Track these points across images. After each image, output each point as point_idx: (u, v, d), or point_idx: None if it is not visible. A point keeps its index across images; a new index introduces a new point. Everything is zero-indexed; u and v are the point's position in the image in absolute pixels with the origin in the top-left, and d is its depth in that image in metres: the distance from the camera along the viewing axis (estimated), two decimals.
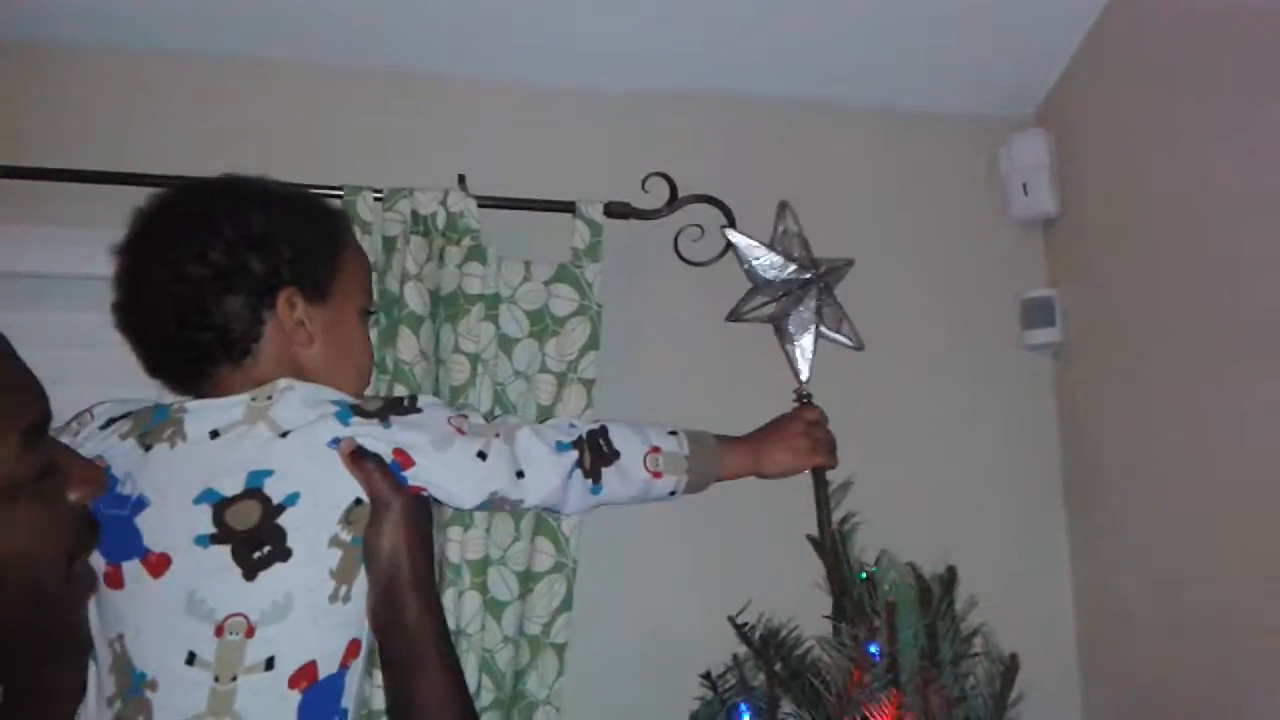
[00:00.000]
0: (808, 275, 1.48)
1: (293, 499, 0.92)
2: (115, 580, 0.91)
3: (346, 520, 0.94)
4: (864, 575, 1.32)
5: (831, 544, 1.37)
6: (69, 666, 0.94)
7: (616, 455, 1.13)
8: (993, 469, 1.70)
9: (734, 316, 1.51)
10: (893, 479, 1.57)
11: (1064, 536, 1.72)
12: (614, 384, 1.53)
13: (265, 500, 0.92)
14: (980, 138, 1.79)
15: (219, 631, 0.89)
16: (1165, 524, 1.49)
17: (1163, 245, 1.51)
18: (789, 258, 1.48)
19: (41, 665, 0.94)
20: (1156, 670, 1.50)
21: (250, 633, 0.89)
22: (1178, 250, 1.47)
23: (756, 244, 1.49)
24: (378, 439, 0.96)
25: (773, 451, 1.30)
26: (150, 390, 1.05)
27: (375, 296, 1.44)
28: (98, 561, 0.93)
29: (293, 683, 0.90)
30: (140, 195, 1.10)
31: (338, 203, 1.42)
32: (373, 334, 1.43)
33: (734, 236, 1.51)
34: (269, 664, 0.89)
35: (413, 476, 0.98)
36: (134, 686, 0.89)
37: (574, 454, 1.10)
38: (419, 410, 1.01)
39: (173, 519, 0.92)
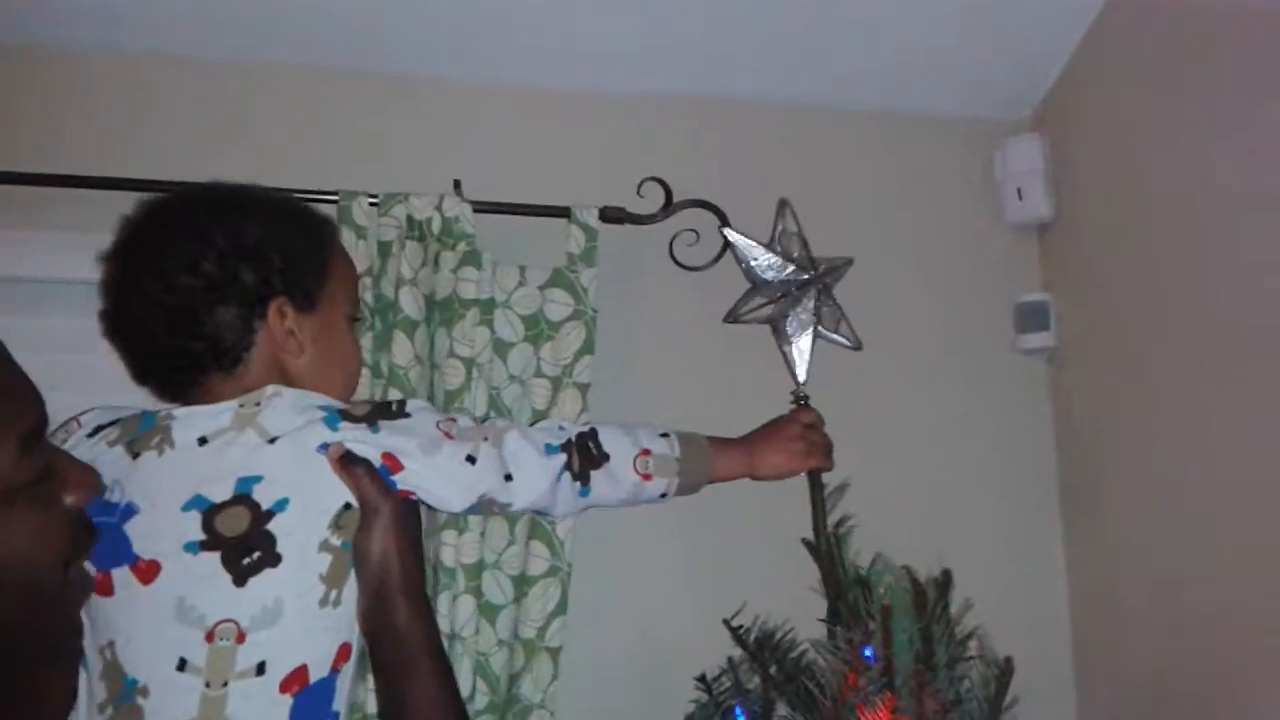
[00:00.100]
0: (806, 275, 1.48)
1: (282, 505, 0.92)
2: (105, 587, 0.91)
3: (336, 525, 0.94)
4: (859, 578, 1.32)
5: (827, 547, 1.37)
6: (63, 671, 0.94)
7: (606, 458, 1.13)
8: (988, 473, 1.70)
9: (731, 318, 1.51)
10: (888, 482, 1.57)
11: (1059, 540, 1.72)
12: (609, 389, 1.53)
13: (254, 506, 0.92)
14: (975, 142, 1.79)
15: (209, 637, 0.89)
16: (1161, 527, 1.49)
17: (1158, 249, 1.51)
18: (788, 257, 1.48)
19: (37, 670, 0.93)
20: (1152, 673, 1.50)
21: (241, 638, 0.89)
22: (1173, 254, 1.48)
23: (755, 243, 1.49)
24: (366, 444, 0.97)
25: (767, 454, 1.30)
26: (144, 397, 1.05)
27: (370, 301, 1.45)
28: (87, 569, 0.93)
29: (284, 687, 0.90)
30: (138, 200, 1.10)
31: (332, 208, 1.43)
32: (367, 339, 1.44)
33: (733, 236, 1.51)
34: (260, 669, 0.90)
35: (402, 481, 0.98)
36: (125, 693, 0.89)
37: (562, 457, 1.10)
38: (407, 415, 1.01)
39: (162, 526, 0.92)
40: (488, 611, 1.41)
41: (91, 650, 0.92)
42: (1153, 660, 1.50)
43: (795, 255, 1.48)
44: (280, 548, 0.91)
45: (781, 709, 1.30)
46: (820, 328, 1.48)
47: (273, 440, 0.95)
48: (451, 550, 1.38)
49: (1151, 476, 1.52)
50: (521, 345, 1.51)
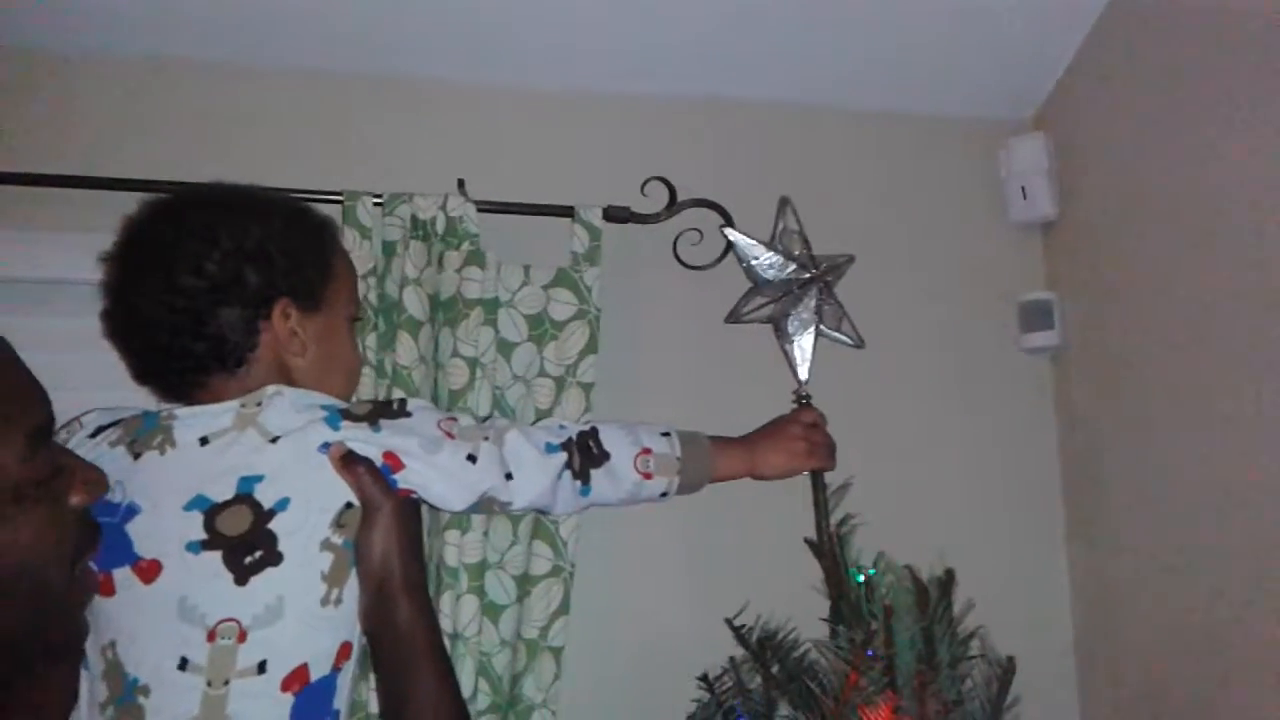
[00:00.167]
0: (808, 274, 1.48)
1: (283, 504, 0.93)
2: (106, 587, 0.92)
3: (338, 524, 0.95)
4: (861, 578, 1.32)
5: (829, 546, 1.37)
6: (67, 670, 0.95)
7: (606, 456, 1.13)
8: (991, 472, 1.70)
9: (733, 318, 1.51)
10: (891, 481, 1.57)
11: (1062, 539, 1.72)
12: (613, 388, 1.53)
13: (256, 505, 0.92)
14: (979, 141, 1.79)
15: (211, 636, 0.90)
16: (1164, 526, 1.49)
17: (1161, 249, 1.51)
18: (789, 256, 1.48)
19: (42, 668, 0.94)
20: (1154, 673, 1.50)
21: (242, 637, 0.90)
22: (1176, 253, 1.47)
23: (756, 243, 1.49)
24: (367, 443, 0.97)
25: (768, 454, 1.30)
26: (149, 395, 1.06)
27: (374, 301, 1.45)
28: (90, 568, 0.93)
29: (285, 686, 0.91)
30: (141, 200, 1.10)
31: (336, 209, 1.43)
32: (372, 338, 1.44)
33: (733, 235, 1.52)
34: (261, 667, 0.90)
35: (403, 479, 0.98)
36: (127, 693, 0.90)
37: (563, 455, 1.10)
38: (408, 414, 1.02)
39: (163, 526, 0.93)
40: (490, 611, 1.41)
41: (93, 650, 0.93)
42: (1155, 660, 1.50)
43: (796, 254, 1.48)
44: (282, 546, 0.92)
45: (783, 708, 1.30)
46: (822, 326, 1.48)
47: (274, 440, 0.95)
48: (454, 550, 1.38)
49: (1155, 476, 1.51)
50: (525, 345, 1.51)
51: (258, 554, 0.91)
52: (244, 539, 0.91)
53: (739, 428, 1.35)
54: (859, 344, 1.50)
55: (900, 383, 1.69)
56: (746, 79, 1.70)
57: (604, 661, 1.51)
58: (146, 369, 1.03)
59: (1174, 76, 1.48)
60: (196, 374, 1.00)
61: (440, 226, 1.49)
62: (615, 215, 1.58)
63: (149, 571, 0.91)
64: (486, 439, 1.05)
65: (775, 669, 1.32)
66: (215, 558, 0.91)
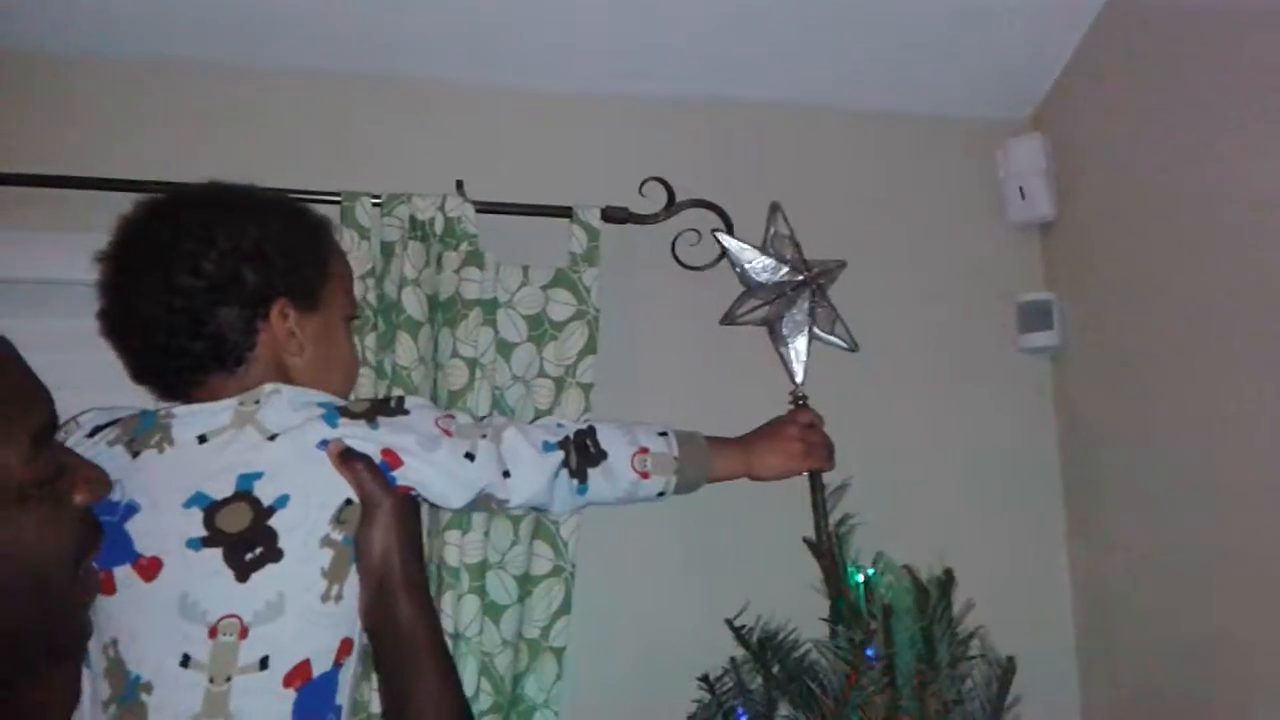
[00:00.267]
0: (800, 277, 1.48)
1: (283, 501, 0.93)
2: (107, 586, 0.92)
3: (337, 520, 0.95)
4: (860, 578, 1.32)
5: (828, 546, 1.37)
6: (70, 669, 0.95)
7: (603, 456, 1.14)
8: (990, 472, 1.70)
9: (728, 320, 1.51)
10: (890, 482, 1.57)
11: (1062, 539, 1.72)
12: (612, 388, 1.54)
13: (255, 502, 0.93)
14: (977, 141, 1.79)
15: (213, 633, 0.90)
16: (1164, 526, 1.49)
17: (1160, 248, 1.51)
18: (781, 260, 1.48)
19: (46, 667, 0.94)
20: (1154, 672, 1.50)
21: (244, 633, 0.90)
22: (1175, 253, 1.47)
23: (748, 247, 1.49)
24: (366, 440, 0.97)
25: (765, 454, 1.30)
26: (146, 395, 1.06)
27: (373, 301, 1.46)
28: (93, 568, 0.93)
29: (287, 681, 0.91)
30: (138, 200, 1.10)
31: (334, 209, 1.43)
32: (371, 339, 1.44)
33: (726, 240, 1.52)
34: (263, 663, 0.90)
35: (401, 476, 0.99)
36: (129, 690, 0.90)
37: (560, 454, 1.11)
38: (406, 412, 1.02)
39: (163, 523, 0.93)
40: (492, 611, 1.41)
41: (94, 648, 0.93)
42: (1155, 659, 1.50)
43: (788, 258, 1.49)
44: (282, 543, 0.92)
45: (784, 708, 1.30)
46: (815, 329, 1.48)
47: (273, 437, 0.95)
48: (455, 550, 1.38)
49: (1154, 475, 1.51)
50: (524, 345, 1.51)
51: (258, 550, 0.91)
52: (244, 536, 0.92)
53: (737, 428, 1.35)
54: (853, 347, 1.51)
55: (899, 383, 1.69)
56: (745, 79, 1.71)
57: (605, 662, 1.51)
58: (145, 368, 1.03)
59: (1172, 76, 1.48)
60: (195, 373, 1.01)
61: (439, 227, 1.49)
62: (613, 216, 1.58)
63: (149, 569, 0.92)
64: (484, 437, 1.05)
65: (775, 669, 1.32)
66: (216, 554, 0.91)
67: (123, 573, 0.92)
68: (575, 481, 1.12)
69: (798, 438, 1.33)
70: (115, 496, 0.93)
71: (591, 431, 1.15)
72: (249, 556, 0.91)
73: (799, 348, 1.47)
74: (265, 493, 0.93)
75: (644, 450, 1.17)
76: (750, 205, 1.58)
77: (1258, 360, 1.32)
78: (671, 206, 1.63)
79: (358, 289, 1.33)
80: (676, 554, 1.58)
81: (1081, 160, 1.70)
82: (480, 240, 1.49)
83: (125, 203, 1.09)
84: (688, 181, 1.64)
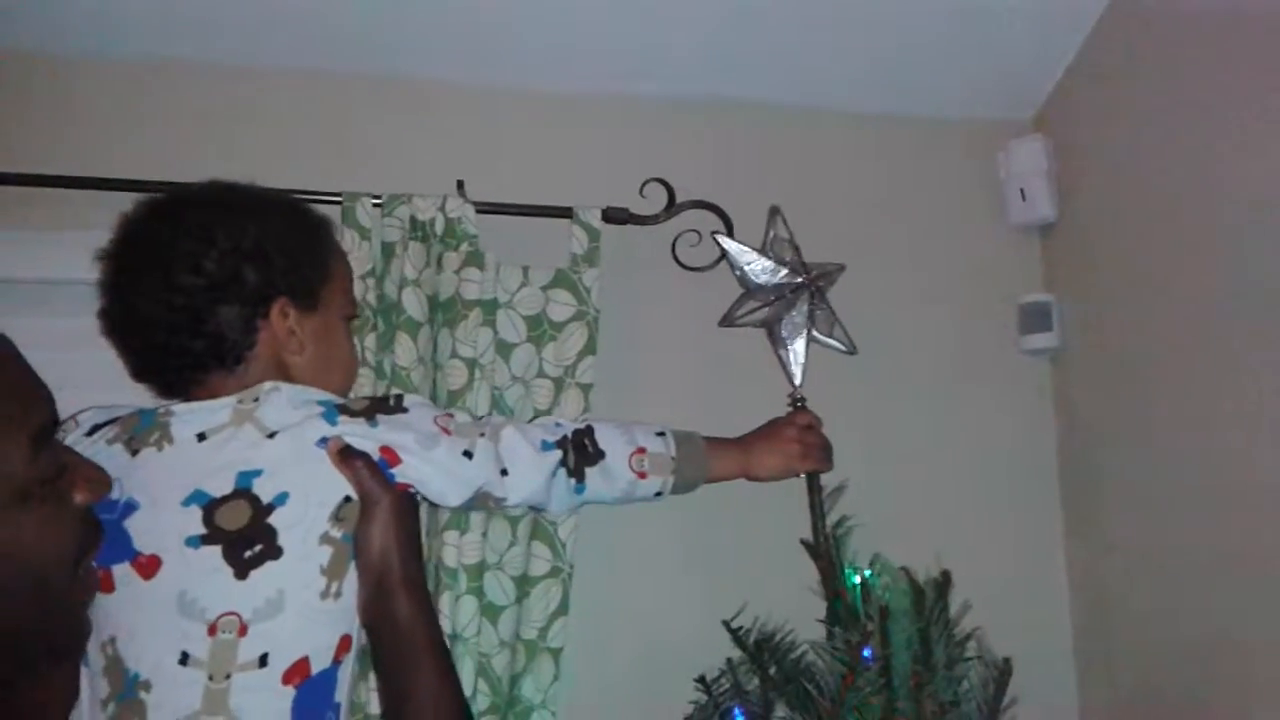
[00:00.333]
0: (799, 280, 1.48)
1: (282, 498, 0.94)
2: (106, 584, 0.92)
3: (336, 518, 0.95)
4: (857, 579, 1.32)
5: (826, 548, 1.37)
6: (69, 668, 0.95)
7: (601, 455, 1.14)
8: (989, 474, 1.70)
9: (726, 322, 1.52)
10: (888, 483, 1.58)
11: (1060, 541, 1.72)
12: (611, 389, 1.54)
13: (255, 500, 0.93)
14: (978, 143, 1.79)
15: (212, 630, 0.90)
16: (1162, 528, 1.49)
17: (1161, 250, 1.51)
18: (780, 262, 1.49)
19: (45, 667, 0.95)
20: (1152, 674, 1.50)
21: (243, 631, 0.90)
22: (1176, 255, 1.47)
23: (747, 249, 1.50)
24: (365, 437, 0.98)
25: (763, 455, 1.31)
26: (145, 394, 1.06)
27: (373, 302, 1.46)
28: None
29: (286, 679, 0.91)
30: (139, 200, 1.11)
31: (335, 209, 1.43)
32: (370, 339, 1.44)
33: (725, 242, 1.52)
34: (262, 661, 0.91)
35: (400, 474, 0.99)
36: (128, 688, 0.90)
37: (558, 453, 1.11)
38: (405, 410, 1.03)
39: (162, 521, 0.93)
40: (489, 612, 1.41)
41: (93, 646, 0.93)
42: (1153, 661, 1.50)
43: (787, 260, 1.49)
44: (281, 540, 0.92)
45: (780, 710, 1.30)
46: (814, 332, 1.48)
47: (271, 435, 0.96)
48: (453, 551, 1.38)
49: (1154, 477, 1.51)
50: (524, 346, 1.51)
51: (257, 548, 0.91)
52: (243, 533, 0.92)
53: (737, 429, 1.35)
54: (851, 350, 1.51)
55: (899, 384, 1.69)
56: (746, 80, 1.71)
57: (603, 663, 1.52)
58: (145, 367, 1.04)
59: (1173, 78, 1.48)
60: (195, 372, 1.01)
61: (439, 227, 1.49)
62: (614, 216, 1.58)
63: (148, 567, 0.92)
64: (483, 435, 1.06)
65: (772, 670, 1.32)
66: (215, 552, 0.92)
67: (121, 571, 0.92)
68: (573, 481, 1.12)
69: (796, 439, 1.34)
70: (114, 495, 0.93)
71: (589, 431, 1.15)
72: (248, 554, 0.91)
73: (797, 350, 1.47)
74: (264, 490, 0.93)
75: (642, 450, 1.18)
76: (751, 207, 1.59)
77: (1258, 361, 1.32)
78: (672, 207, 1.63)
79: (358, 289, 1.33)
80: (674, 555, 1.58)
81: (1082, 162, 1.70)
82: (480, 241, 1.49)
83: (125, 203, 1.10)
84: (688, 183, 1.64)
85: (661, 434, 1.21)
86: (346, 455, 0.96)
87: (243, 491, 0.93)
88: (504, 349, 1.50)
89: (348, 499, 0.96)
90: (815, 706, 1.22)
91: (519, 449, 1.08)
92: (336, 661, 0.95)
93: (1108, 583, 1.62)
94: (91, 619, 0.92)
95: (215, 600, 0.91)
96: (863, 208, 1.74)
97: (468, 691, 1.33)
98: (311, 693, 0.92)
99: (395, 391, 1.38)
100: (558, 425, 1.15)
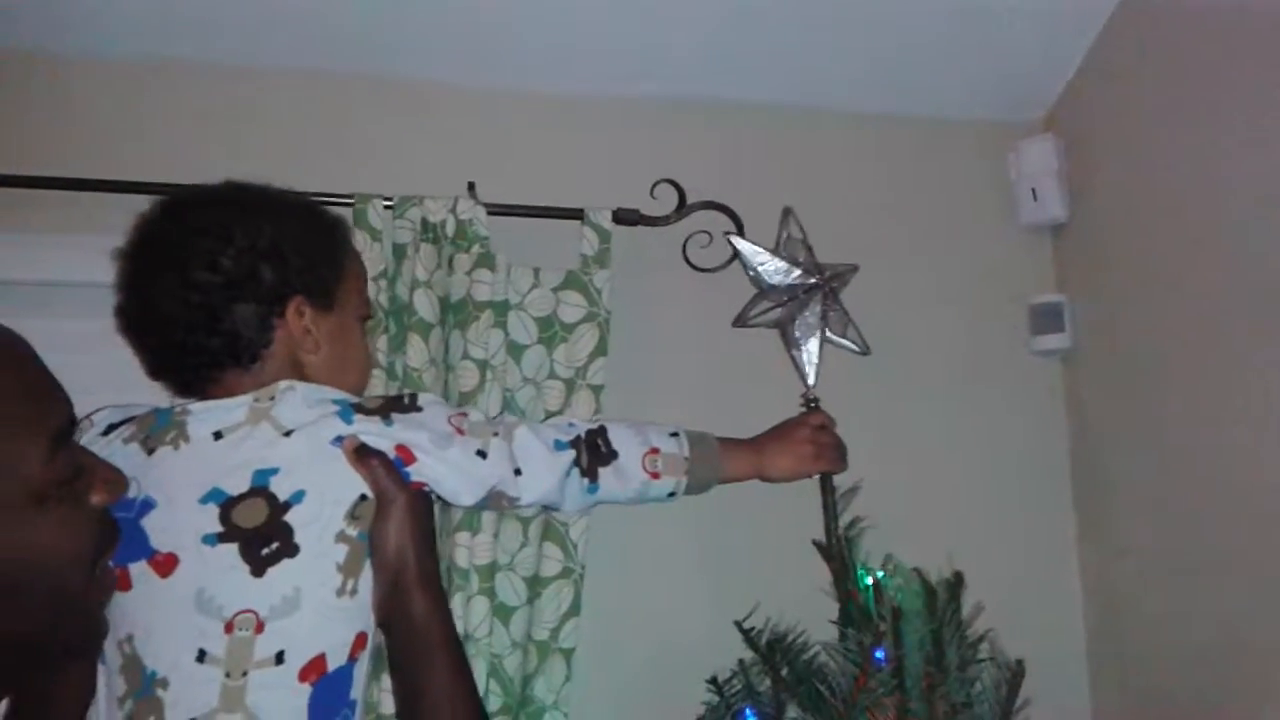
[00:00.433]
0: (813, 280, 1.48)
1: (299, 496, 0.94)
2: (123, 582, 0.93)
3: (352, 516, 0.96)
4: (870, 580, 1.32)
5: (838, 549, 1.37)
6: (85, 666, 0.96)
7: (614, 455, 1.14)
8: (1001, 474, 1.70)
9: (740, 322, 1.52)
10: (900, 484, 1.57)
11: (1072, 542, 1.72)
12: (623, 390, 1.54)
13: (271, 498, 0.93)
14: (989, 143, 1.79)
15: (229, 628, 0.90)
16: (1175, 529, 1.48)
17: (1173, 250, 1.50)
18: (793, 263, 1.49)
19: (60, 666, 0.95)
20: (1165, 677, 1.49)
21: (260, 628, 0.91)
22: (1188, 255, 1.47)
23: (760, 249, 1.49)
24: (380, 436, 0.98)
25: (776, 456, 1.31)
26: (152, 395, 1.07)
27: (385, 303, 1.46)
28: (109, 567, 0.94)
29: (303, 676, 0.91)
30: (147, 203, 1.11)
31: (346, 211, 1.43)
32: (382, 341, 1.45)
33: (738, 243, 1.52)
34: (279, 658, 0.91)
35: (415, 472, 0.99)
36: (145, 686, 0.90)
37: (571, 453, 1.11)
38: (419, 409, 1.03)
39: (179, 519, 0.93)
40: (501, 613, 1.41)
41: (110, 644, 0.93)
42: (1165, 663, 1.49)
43: (800, 261, 1.49)
44: (298, 538, 0.92)
45: (792, 711, 1.30)
46: (828, 332, 1.48)
47: (288, 433, 0.96)
48: (465, 551, 1.38)
49: (1166, 478, 1.51)
50: (535, 347, 1.51)
51: (274, 546, 0.92)
52: (260, 531, 0.92)
53: (749, 430, 1.35)
54: (865, 351, 1.51)
55: (911, 385, 1.69)
56: (756, 82, 1.71)
57: (615, 663, 1.52)
58: (161, 365, 1.04)
59: (1184, 77, 1.47)
60: (211, 370, 1.01)
61: (450, 229, 1.49)
62: (625, 218, 1.58)
63: (165, 565, 0.92)
64: (496, 435, 1.06)
65: (784, 671, 1.32)
66: (232, 550, 0.92)
67: (138, 569, 0.93)
68: (586, 481, 1.13)
69: (809, 439, 1.34)
70: (131, 493, 0.93)
71: (603, 431, 1.16)
72: (265, 552, 0.92)
73: (811, 350, 1.47)
74: (281, 488, 0.94)
75: (655, 450, 1.18)
76: (761, 207, 1.59)
77: (1270, 362, 1.31)
78: (683, 208, 1.63)
79: (369, 290, 1.34)
80: (686, 556, 1.58)
81: (1094, 162, 1.69)
82: (491, 242, 1.50)
83: (128, 205, 1.10)
84: (697, 184, 1.64)
85: (675, 434, 1.21)
86: (362, 454, 0.96)
87: (259, 489, 0.94)
88: (515, 350, 1.51)
89: (363, 497, 0.96)
90: (827, 708, 1.22)
91: (532, 449, 1.08)
92: (352, 659, 0.95)
93: (1120, 584, 1.62)
94: (108, 617, 0.92)
95: (232, 598, 0.91)
96: (873, 208, 1.74)
97: (480, 691, 1.33)
98: (328, 690, 0.92)
99: (409, 391, 1.39)
100: (571, 425, 1.16)
